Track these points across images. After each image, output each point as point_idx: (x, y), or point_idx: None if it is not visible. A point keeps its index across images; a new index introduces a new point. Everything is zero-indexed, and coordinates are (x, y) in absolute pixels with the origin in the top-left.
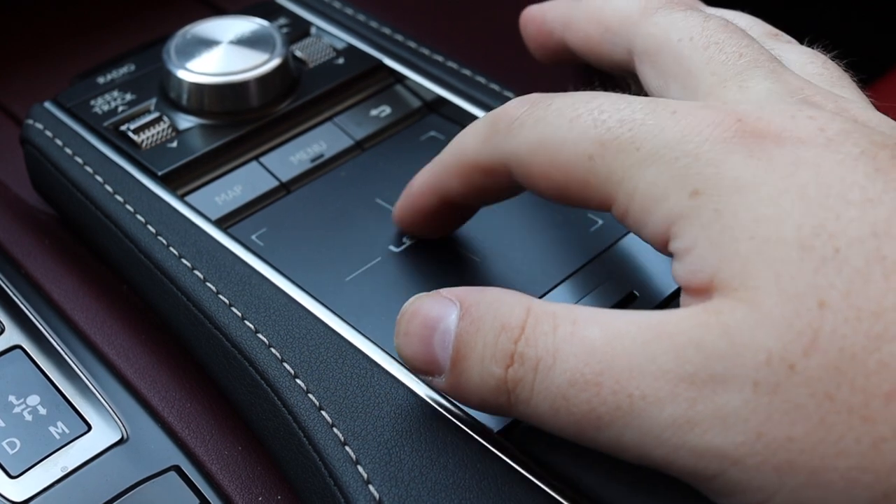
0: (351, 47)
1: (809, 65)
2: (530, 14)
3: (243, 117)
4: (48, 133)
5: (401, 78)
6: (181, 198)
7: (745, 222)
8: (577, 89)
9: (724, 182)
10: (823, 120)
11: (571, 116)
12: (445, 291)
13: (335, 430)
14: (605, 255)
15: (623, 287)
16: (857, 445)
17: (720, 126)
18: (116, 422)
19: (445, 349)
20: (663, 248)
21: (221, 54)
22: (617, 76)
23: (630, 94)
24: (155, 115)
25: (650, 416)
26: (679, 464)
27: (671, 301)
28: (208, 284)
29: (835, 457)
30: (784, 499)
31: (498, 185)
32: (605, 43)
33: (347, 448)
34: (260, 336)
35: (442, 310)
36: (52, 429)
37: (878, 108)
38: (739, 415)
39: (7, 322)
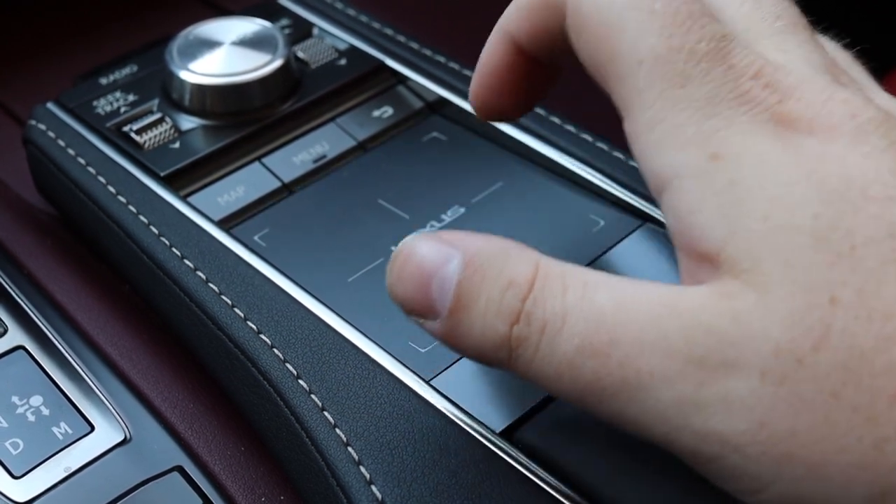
0: (353, 48)
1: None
2: None
3: (245, 118)
4: (50, 134)
5: (403, 79)
6: (184, 198)
7: (759, 201)
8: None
9: (747, 154)
10: (855, 105)
11: (647, 8)
12: (446, 234)
13: (338, 430)
14: (606, 256)
15: None
16: (858, 444)
17: (761, 104)
18: (119, 422)
19: (444, 296)
20: (656, 191)
21: (224, 55)
22: None
23: None
24: (157, 115)
25: (656, 393)
26: (680, 443)
27: None
28: (211, 285)
29: (835, 453)
30: (781, 489)
31: (557, 28)
32: None
33: (350, 449)
34: (262, 337)
35: (441, 256)
36: (54, 429)
37: None
38: (745, 402)
39: (10, 322)
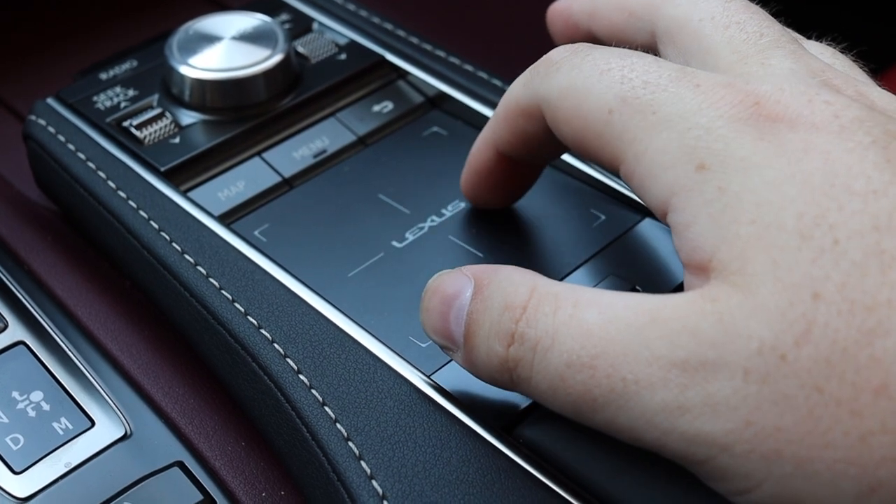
0: (353, 43)
1: (820, 55)
2: (557, 9)
3: (245, 113)
4: (51, 129)
5: (403, 73)
6: (184, 193)
7: (747, 204)
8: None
9: (731, 160)
10: (839, 106)
11: (603, 69)
12: (465, 268)
13: (338, 425)
14: (607, 250)
15: (626, 283)
16: (844, 438)
17: (738, 105)
18: (120, 417)
19: (459, 325)
20: (662, 216)
21: (224, 50)
22: None
23: None
24: (157, 110)
25: (642, 400)
26: (670, 447)
27: None
28: (211, 280)
29: (822, 448)
30: (772, 487)
31: (537, 131)
32: (630, 28)
33: (350, 443)
34: (263, 332)
35: (458, 286)
36: (55, 425)
37: None
38: (729, 402)
39: (10, 318)
